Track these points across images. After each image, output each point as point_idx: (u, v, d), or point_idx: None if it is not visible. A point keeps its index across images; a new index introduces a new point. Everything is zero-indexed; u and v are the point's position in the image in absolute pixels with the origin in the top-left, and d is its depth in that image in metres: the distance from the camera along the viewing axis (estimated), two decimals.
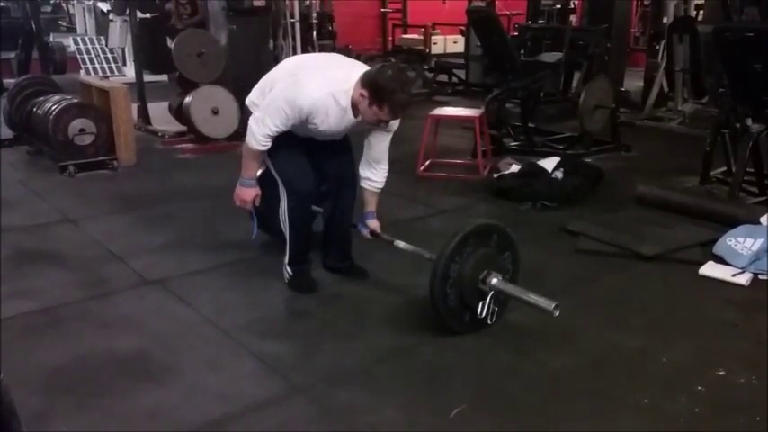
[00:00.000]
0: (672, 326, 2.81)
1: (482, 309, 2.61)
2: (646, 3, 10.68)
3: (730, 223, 3.64)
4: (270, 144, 2.81)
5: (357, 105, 2.70)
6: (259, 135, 2.77)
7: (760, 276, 3.19)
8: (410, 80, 2.79)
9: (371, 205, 3.10)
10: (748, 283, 3.15)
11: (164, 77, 8.98)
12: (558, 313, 2.45)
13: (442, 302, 2.57)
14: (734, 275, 3.19)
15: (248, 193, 2.97)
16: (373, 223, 3.11)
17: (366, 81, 2.63)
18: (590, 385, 2.36)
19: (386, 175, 3.06)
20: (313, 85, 2.69)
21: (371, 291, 3.09)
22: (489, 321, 2.66)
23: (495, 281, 2.60)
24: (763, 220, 3.62)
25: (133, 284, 3.15)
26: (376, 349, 2.60)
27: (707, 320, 2.87)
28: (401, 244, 3.03)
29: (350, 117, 2.76)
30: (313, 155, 2.97)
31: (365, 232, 3.12)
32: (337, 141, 3.01)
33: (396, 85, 2.59)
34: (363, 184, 3.05)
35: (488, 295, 2.60)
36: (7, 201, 4.32)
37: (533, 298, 2.54)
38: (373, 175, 3.02)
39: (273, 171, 2.96)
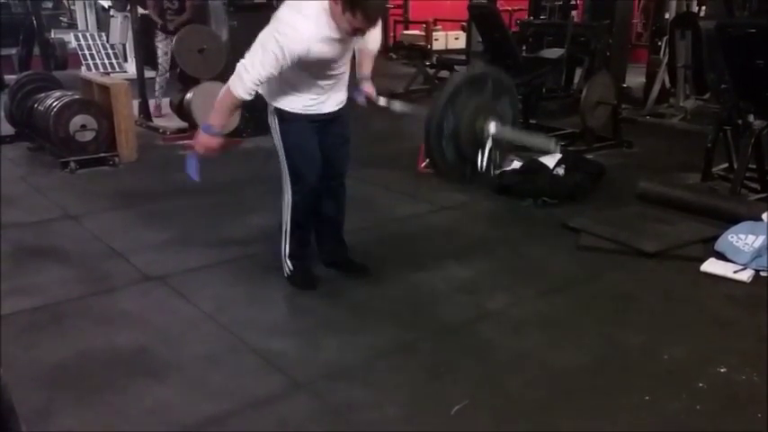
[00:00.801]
0: (673, 323, 2.80)
1: (482, 160, 2.55)
2: None
3: (732, 220, 3.63)
4: (254, 94, 2.66)
5: (334, 18, 2.56)
6: (249, 81, 2.58)
7: (761, 273, 3.18)
8: None
9: (366, 67, 3.04)
10: (750, 279, 3.15)
11: None
12: (558, 148, 2.41)
13: (440, 158, 2.52)
14: (735, 272, 3.19)
15: (215, 141, 2.74)
16: (368, 87, 3.05)
17: None
18: (591, 382, 2.36)
19: (380, 38, 3.00)
20: (300, 26, 2.55)
21: (372, 287, 3.09)
22: (492, 173, 2.61)
23: (491, 128, 2.53)
24: (764, 216, 3.61)
25: (134, 281, 3.15)
26: (377, 346, 2.60)
27: (708, 317, 2.86)
28: (397, 105, 2.96)
29: (336, 30, 2.60)
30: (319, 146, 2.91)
31: (360, 99, 3.05)
32: (341, 134, 2.96)
33: None
34: (358, 45, 2.91)
35: (487, 144, 2.54)
36: (8, 197, 4.32)
37: (531, 139, 2.51)
38: (368, 37, 2.86)
39: (281, 155, 2.88)
